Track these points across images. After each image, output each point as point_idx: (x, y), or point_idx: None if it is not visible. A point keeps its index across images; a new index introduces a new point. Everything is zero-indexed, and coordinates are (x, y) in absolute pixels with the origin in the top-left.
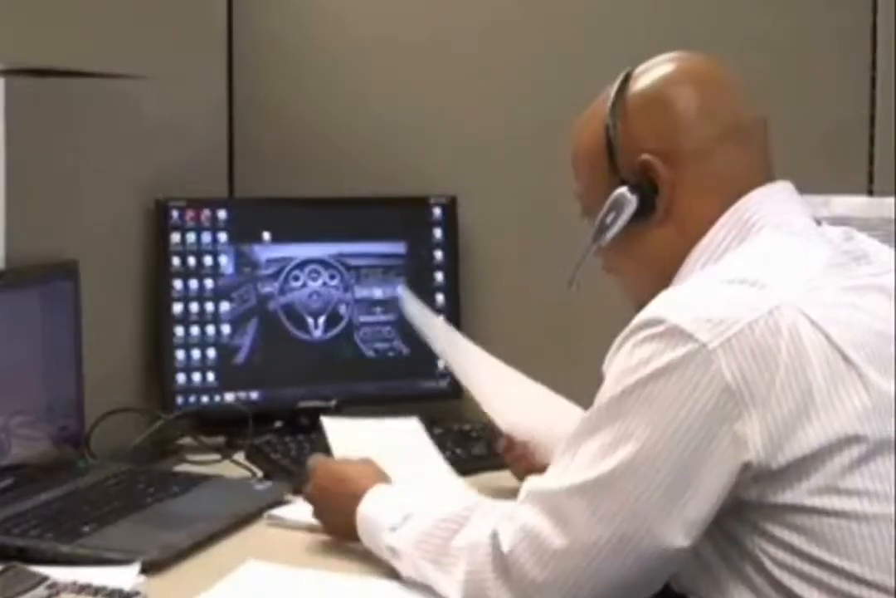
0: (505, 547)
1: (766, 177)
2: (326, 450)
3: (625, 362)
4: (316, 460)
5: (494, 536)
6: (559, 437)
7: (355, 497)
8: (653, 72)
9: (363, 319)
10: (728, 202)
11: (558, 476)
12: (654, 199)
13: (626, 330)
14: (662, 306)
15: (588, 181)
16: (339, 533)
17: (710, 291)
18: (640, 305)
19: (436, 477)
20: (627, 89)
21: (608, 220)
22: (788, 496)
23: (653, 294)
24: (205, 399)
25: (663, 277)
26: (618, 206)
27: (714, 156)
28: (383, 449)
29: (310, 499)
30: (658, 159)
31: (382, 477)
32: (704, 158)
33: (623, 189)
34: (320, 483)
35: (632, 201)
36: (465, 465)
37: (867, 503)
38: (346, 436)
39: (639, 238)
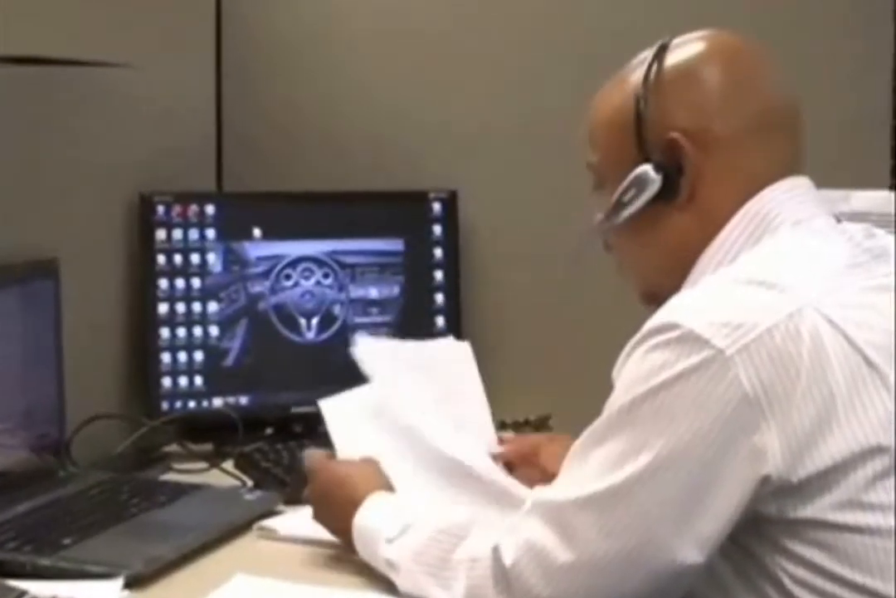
0: (507, 561)
1: (792, 170)
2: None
3: (636, 370)
4: (312, 456)
5: (496, 549)
6: None
7: (354, 504)
8: (692, 47)
9: (359, 320)
10: (747, 197)
11: (565, 487)
12: (678, 181)
13: (638, 335)
14: (676, 310)
15: (606, 153)
16: (341, 538)
17: (725, 293)
18: (639, 289)
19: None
20: (663, 61)
21: (626, 198)
22: (809, 511)
23: (654, 280)
24: (192, 404)
25: (670, 264)
26: (639, 184)
27: (743, 145)
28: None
29: (310, 501)
30: (687, 140)
31: (383, 481)
32: (734, 146)
33: (647, 167)
34: (320, 487)
35: (655, 181)
36: None
37: (890, 517)
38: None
39: (654, 221)
